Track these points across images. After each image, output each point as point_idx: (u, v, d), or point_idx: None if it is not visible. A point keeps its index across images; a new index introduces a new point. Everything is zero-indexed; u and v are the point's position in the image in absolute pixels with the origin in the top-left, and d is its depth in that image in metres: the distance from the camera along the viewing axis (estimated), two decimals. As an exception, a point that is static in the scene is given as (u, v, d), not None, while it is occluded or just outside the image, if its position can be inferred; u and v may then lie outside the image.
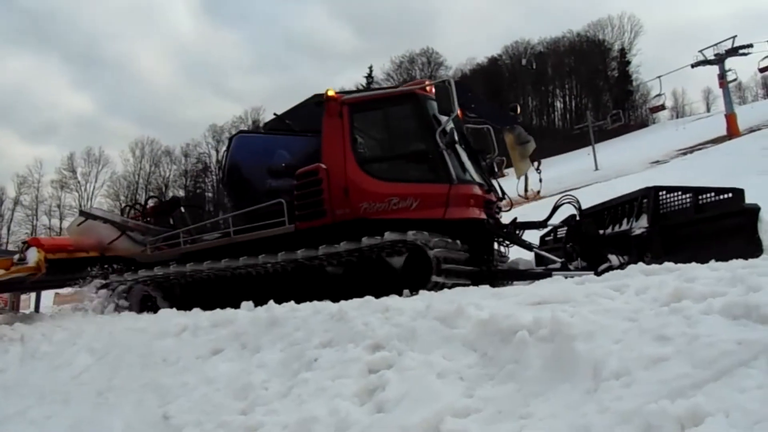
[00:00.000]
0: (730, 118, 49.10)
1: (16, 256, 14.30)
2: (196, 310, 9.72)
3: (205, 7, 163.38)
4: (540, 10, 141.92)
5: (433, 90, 10.87)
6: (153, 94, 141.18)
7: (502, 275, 10.77)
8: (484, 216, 10.75)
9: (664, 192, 9.93)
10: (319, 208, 10.77)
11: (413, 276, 9.74)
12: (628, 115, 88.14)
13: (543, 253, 10.97)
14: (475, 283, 9.56)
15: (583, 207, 11.54)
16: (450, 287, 9.01)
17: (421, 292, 8.88)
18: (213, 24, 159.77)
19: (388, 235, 9.81)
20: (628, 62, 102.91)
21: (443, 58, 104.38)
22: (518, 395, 4.51)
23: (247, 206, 12.04)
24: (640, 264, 7.88)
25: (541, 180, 12.26)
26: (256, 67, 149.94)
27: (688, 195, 9.64)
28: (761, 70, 58.80)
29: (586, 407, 3.99)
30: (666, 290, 5.36)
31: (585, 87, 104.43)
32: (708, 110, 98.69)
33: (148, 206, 15.43)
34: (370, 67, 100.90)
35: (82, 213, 14.83)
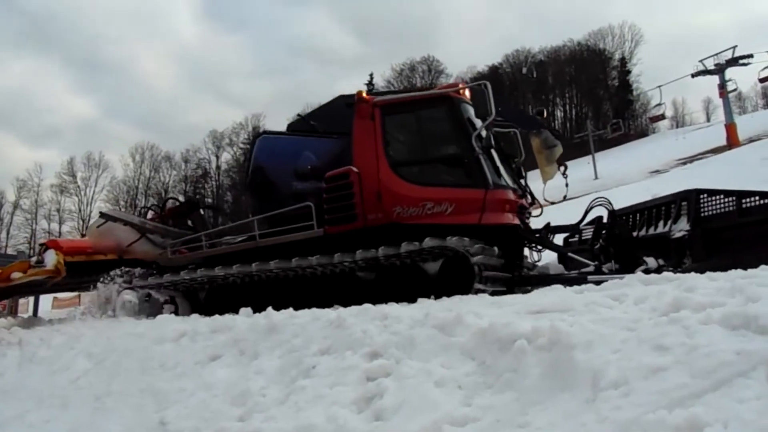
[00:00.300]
0: (730, 128, 49.14)
1: (34, 259, 14.20)
2: (195, 316, 9.73)
3: (207, 11, 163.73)
4: (540, 19, 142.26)
5: (467, 93, 10.86)
6: (154, 98, 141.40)
7: (535, 281, 10.48)
8: (517, 221, 10.66)
9: (705, 195, 9.89)
10: (351, 212, 10.54)
11: (449, 283, 9.61)
12: (628, 125, 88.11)
13: (576, 257, 10.79)
14: (509, 290, 9.61)
15: (603, 211, 11.44)
16: (491, 294, 8.86)
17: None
18: (215, 28, 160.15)
19: (429, 241, 9.68)
20: (629, 71, 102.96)
21: (444, 65, 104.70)
22: (517, 404, 4.51)
23: (272, 209, 11.85)
24: (639, 273, 7.88)
25: (567, 185, 11.95)
26: (258, 72, 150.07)
27: (731, 198, 9.59)
28: (761, 80, 58.94)
29: (584, 417, 3.99)
30: (665, 300, 5.36)
31: (585, 96, 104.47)
32: (708, 120, 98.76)
33: (166, 208, 15.14)
34: (371, 75, 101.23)
35: (102, 215, 14.50)
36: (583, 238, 12.37)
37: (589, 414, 3.99)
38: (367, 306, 7.43)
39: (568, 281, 9.50)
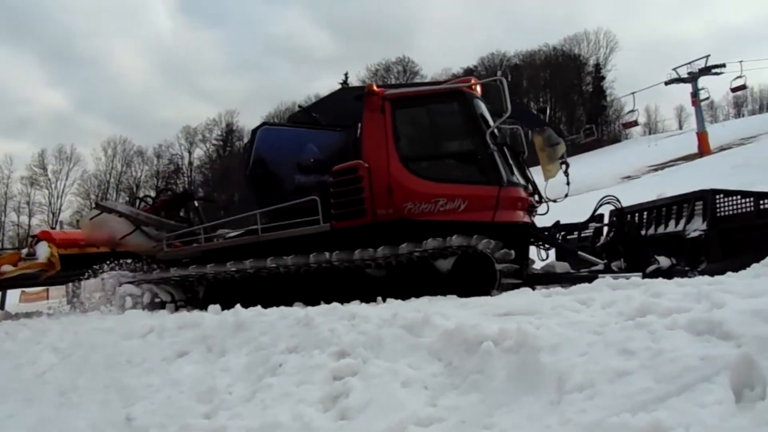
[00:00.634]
0: (702, 136, 49.61)
1: (24, 251, 14.00)
2: (163, 312, 9.68)
3: (182, 7, 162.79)
4: (517, 23, 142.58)
5: (478, 89, 10.78)
6: (127, 92, 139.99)
7: (546, 279, 10.41)
8: (528, 219, 10.64)
9: (721, 195, 9.88)
10: (359, 207, 10.38)
11: (462, 280, 9.53)
12: (601, 130, 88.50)
13: (586, 256, 10.71)
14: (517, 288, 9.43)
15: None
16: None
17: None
18: (190, 23, 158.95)
19: (455, 239, 9.52)
20: (603, 77, 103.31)
21: (419, 67, 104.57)
22: (482, 405, 4.52)
23: (272, 202, 11.71)
24: (608, 278, 7.89)
25: (568, 183, 11.88)
26: (233, 69, 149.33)
27: (749, 199, 9.61)
28: (733, 90, 59.73)
29: (549, 419, 4.01)
30: (632, 304, 5.39)
31: (559, 101, 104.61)
32: (680, 127, 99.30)
33: (159, 199, 14.83)
34: (346, 74, 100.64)
35: (97, 205, 14.27)
36: (582, 235, 12.38)
37: (554, 416, 4.00)
38: (335, 305, 7.42)
39: (578, 280, 9.40)
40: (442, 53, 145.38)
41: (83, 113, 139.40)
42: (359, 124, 12.14)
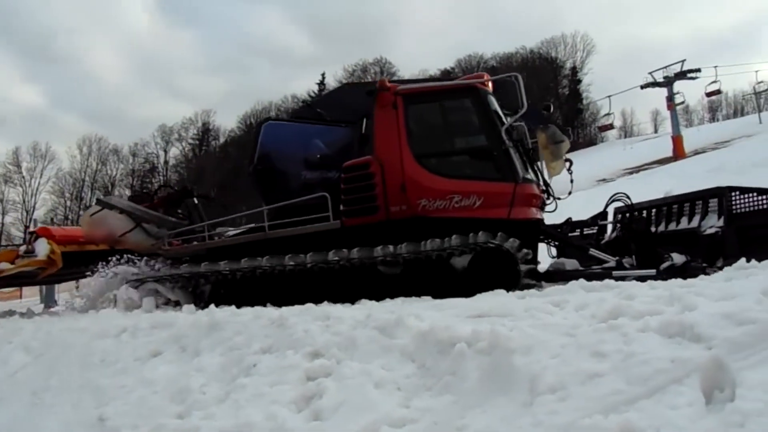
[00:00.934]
0: (677, 140, 49.83)
1: (23, 248, 13.66)
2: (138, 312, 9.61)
3: (161, 5, 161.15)
4: (495, 25, 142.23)
5: (490, 85, 10.71)
6: (104, 90, 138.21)
7: (559, 276, 10.20)
8: (541, 216, 10.62)
9: (737, 192, 9.90)
10: (371, 203, 10.22)
11: (480, 279, 9.28)
12: (577, 133, 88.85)
13: (597, 253, 10.62)
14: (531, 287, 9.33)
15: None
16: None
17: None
18: (168, 22, 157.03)
19: (481, 236, 9.38)
20: (579, 81, 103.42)
21: (396, 68, 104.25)
22: (455, 407, 4.54)
23: (277, 198, 11.47)
24: (581, 280, 7.89)
25: (572, 180, 11.54)
26: (210, 68, 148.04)
27: (765, 196, 9.67)
28: (708, 95, 60.16)
29: (521, 420, 4.03)
30: (605, 307, 5.44)
31: (535, 103, 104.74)
32: (655, 131, 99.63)
33: (158, 195, 14.43)
34: (323, 74, 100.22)
35: (99, 201, 13.76)
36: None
37: (526, 417, 4.03)
38: (310, 306, 7.42)
39: (592, 277, 9.45)
40: (420, 54, 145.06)
41: (59, 111, 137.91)
42: (364, 120, 12.16)
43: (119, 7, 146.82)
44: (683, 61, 53.98)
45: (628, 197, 11.47)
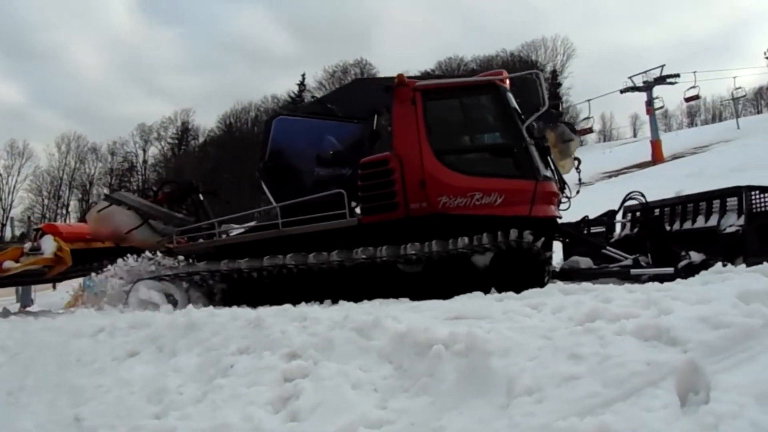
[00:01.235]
0: (656, 144, 50.20)
1: (28, 245, 13.39)
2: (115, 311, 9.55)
3: (141, 4, 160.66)
4: (477, 28, 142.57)
5: (507, 82, 10.66)
6: (83, 88, 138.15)
7: (577, 275, 10.23)
8: (559, 214, 10.59)
9: (757, 192, 9.85)
10: (390, 200, 10.11)
11: (505, 277, 9.19)
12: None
13: (613, 251, 10.60)
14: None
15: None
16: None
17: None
18: (149, 20, 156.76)
19: (513, 233, 9.32)
20: (559, 84, 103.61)
21: (376, 69, 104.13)
22: (432, 408, 4.54)
23: (289, 195, 11.22)
24: (559, 283, 7.91)
25: (580, 179, 11.89)
26: (190, 67, 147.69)
27: None
28: (687, 100, 60.63)
29: (498, 423, 4.04)
30: (582, 310, 5.46)
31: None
32: (635, 135, 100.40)
33: (163, 191, 14.09)
34: (303, 75, 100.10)
35: (107, 197, 13.55)
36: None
37: (503, 420, 4.03)
38: (287, 306, 7.41)
39: (610, 275, 9.50)
40: (400, 56, 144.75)
41: (37, 108, 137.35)
42: (375, 117, 12.18)
43: (100, 4, 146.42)
44: (663, 66, 54.57)
45: (643, 195, 11.42)
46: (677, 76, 54.31)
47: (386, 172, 10.14)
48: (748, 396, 3.60)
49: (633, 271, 9.36)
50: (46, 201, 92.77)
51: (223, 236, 11.98)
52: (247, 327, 6.74)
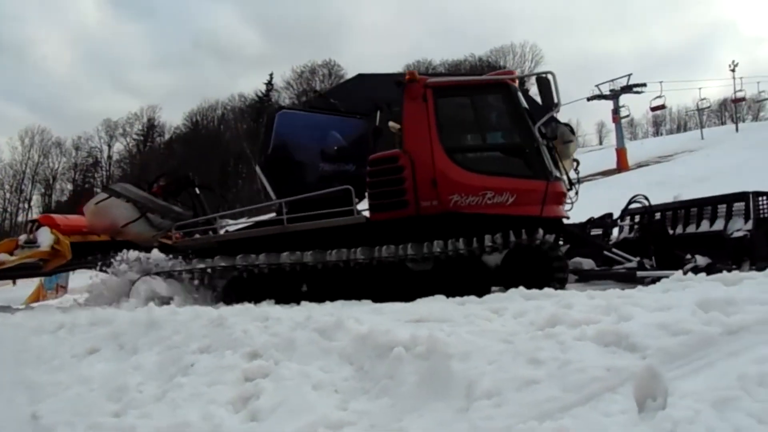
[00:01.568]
0: (621, 152, 50.36)
1: (23, 237, 13.13)
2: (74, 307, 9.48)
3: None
4: (446, 33, 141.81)
5: (517, 82, 10.70)
6: (49, 81, 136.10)
7: (582, 276, 10.45)
8: (567, 214, 10.57)
9: (765, 197, 10.00)
10: (400, 198, 10.08)
11: (512, 276, 9.25)
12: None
13: (619, 252, 10.57)
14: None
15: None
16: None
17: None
18: (118, 14, 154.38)
19: (542, 234, 9.35)
20: (527, 90, 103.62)
21: (344, 71, 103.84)
22: (392, 410, 4.54)
23: (292, 191, 11.25)
24: (521, 288, 7.91)
25: (579, 180, 11.62)
26: (158, 63, 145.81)
27: None
28: (653, 109, 61.16)
29: (457, 425, 4.05)
30: (543, 315, 5.52)
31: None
32: (600, 143, 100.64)
33: (158, 183, 13.71)
34: (271, 75, 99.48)
35: (105, 189, 13.36)
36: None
37: (463, 423, 4.05)
38: (249, 306, 7.40)
39: (617, 277, 9.62)
40: (369, 58, 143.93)
41: (0, 100, 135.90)
42: (378, 113, 12.21)
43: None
44: (630, 75, 54.66)
45: (646, 199, 11.51)
46: (644, 85, 54.57)
47: (396, 169, 10.14)
48: (704, 402, 3.64)
49: (639, 273, 9.45)
50: (8, 195, 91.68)
51: (223, 231, 11.93)
52: (208, 326, 6.73)
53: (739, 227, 9.97)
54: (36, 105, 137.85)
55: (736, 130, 59.19)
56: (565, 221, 10.68)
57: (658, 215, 11.70)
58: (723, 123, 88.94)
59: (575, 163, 11.66)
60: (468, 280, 9.36)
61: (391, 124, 11.87)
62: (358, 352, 5.46)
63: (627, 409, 3.74)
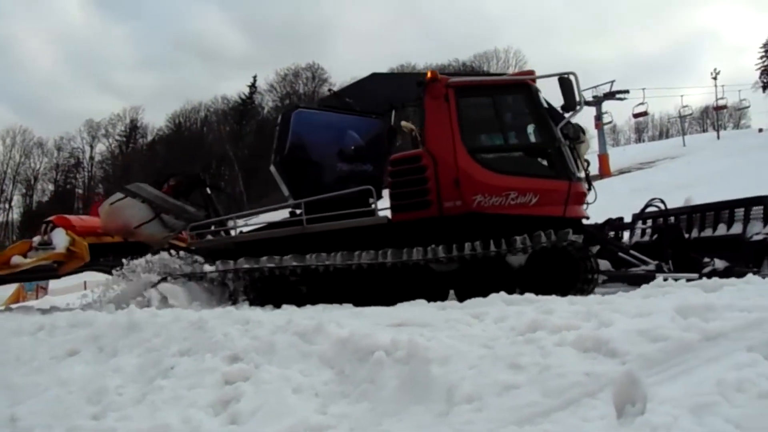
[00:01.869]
0: (603, 158, 50.46)
1: (37, 239, 12.67)
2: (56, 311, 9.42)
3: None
4: (430, 37, 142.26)
5: (536, 82, 10.61)
6: (32, 81, 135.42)
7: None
8: (587, 215, 10.54)
9: None
10: (423, 198, 9.96)
11: (536, 278, 9.33)
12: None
13: (637, 254, 10.58)
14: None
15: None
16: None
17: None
18: (102, 15, 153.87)
19: (574, 235, 9.32)
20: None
21: (328, 74, 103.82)
22: (372, 414, 4.55)
23: (310, 191, 11.02)
24: (502, 293, 7.90)
25: (590, 182, 11.28)
26: (142, 64, 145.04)
27: None
28: (635, 116, 61.20)
29: (437, 429, 4.07)
30: (523, 320, 5.51)
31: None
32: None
33: (169, 183, 13.23)
34: (254, 77, 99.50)
35: (122, 189, 12.72)
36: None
37: (443, 427, 4.06)
38: (230, 309, 7.36)
39: (635, 278, 9.53)
40: (352, 62, 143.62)
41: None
42: (392, 112, 12.12)
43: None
44: (612, 81, 54.69)
45: (663, 202, 11.59)
46: (626, 92, 54.68)
47: (419, 169, 10.04)
48: (682, 408, 3.66)
49: (659, 275, 9.20)
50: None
51: (238, 231, 11.79)
52: (189, 328, 6.69)
53: (758, 230, 9.98)
54: (18, 104, 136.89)
55: (718, 137, 59.64)
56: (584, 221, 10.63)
57: (672, 219, 11.73)
58: (705, 130, 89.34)
59: (586, 164, 11.52)
60: (493, 281, 9.16)
61: (403, 123, 11.82)
62: (338, 356, 5.46)
63: (606, 415, 3.76)
